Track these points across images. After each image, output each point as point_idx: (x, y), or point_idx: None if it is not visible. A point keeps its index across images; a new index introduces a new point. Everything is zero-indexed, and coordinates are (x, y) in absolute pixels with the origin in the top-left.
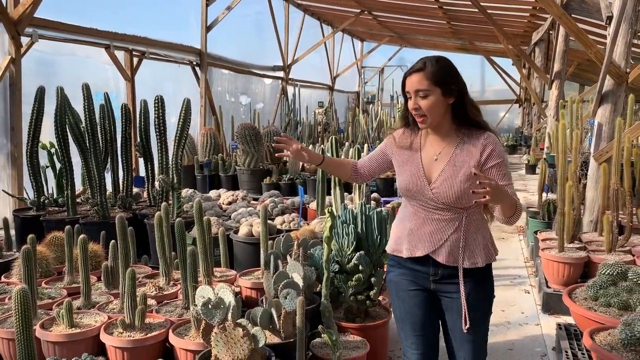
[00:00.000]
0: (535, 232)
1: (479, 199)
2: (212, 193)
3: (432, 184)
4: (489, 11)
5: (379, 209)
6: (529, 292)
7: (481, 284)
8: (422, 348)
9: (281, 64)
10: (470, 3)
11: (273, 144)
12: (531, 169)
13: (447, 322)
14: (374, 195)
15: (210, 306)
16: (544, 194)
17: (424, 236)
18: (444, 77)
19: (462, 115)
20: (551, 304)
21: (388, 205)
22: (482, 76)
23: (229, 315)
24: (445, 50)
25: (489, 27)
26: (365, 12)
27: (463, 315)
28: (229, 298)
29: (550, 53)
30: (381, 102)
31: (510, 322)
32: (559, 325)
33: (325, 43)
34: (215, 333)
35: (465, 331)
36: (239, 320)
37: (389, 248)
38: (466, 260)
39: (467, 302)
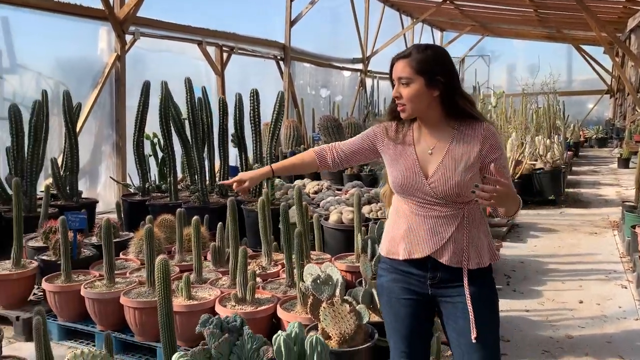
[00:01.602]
0: (633, 227)
1: (482, 201)
2: (297, 182)
3: (429, 178)
4: None
5: None
6: (626, 287)
7: (485, 286)
8: (414, 357)
9: (360, 56)
10: None
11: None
12: (624, 162)
13: (452, 331)
14: None
15: (319, 282)
16: None
17: (423, 235)
18: (429, 67)
19: (452, 107)
20: None
21: None
22: (568, 66)
23: (337, 291)
24: (530, 39)
25: (580, 14)
26: (447, 1)
27: (470, 323)
28: (336, 275)
29: None
30: None
31: (606, 316)
32: None
33: (404, 34)
34: (323, 308)
35: (474, 341)
36: (345, 298)
37: (383, 250)
38: (472, 260)
39: (474, 308)
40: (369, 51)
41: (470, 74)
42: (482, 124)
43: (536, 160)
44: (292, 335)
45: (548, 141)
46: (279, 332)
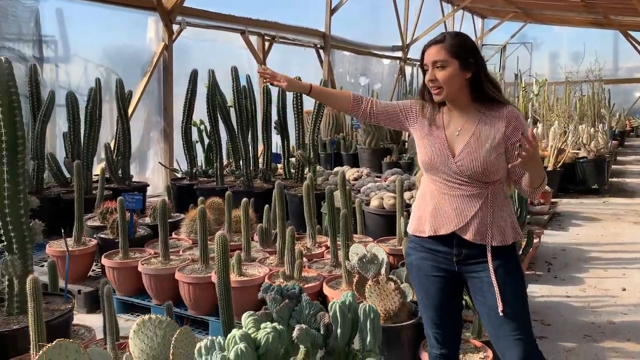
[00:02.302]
0: None
1: (515, 162)
2: (338, 169)
3: (456, 157)
4: None
5: None
6: None
7: (510, 262)
8: (445, 329)
9: (400, 44)
10: None
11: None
12: None
13: (481, 305)
14: None
15: (365, 260)
16: None
17: (449, 213)
18: (463, 50)
19: (480, 91)
20: None
21: None
22: (615, 53)
23: (382, 269)
24: (575, 26)
25: None
26: None
27: (497, 297)
28: (382, 255)
29: None
30: (504, 80)
31: None
32: None
33: (444, 21)
34: (369, 285)
35: (502, 314)
36: (390, 276)
37: (410, 229)
38: (495, 238)
39: (498, 282)
40: (409, 39)
41: (511, 62)
42: (506, 106)
43: (579, 149)
44: (347, 303)
45: (592, 130)
46: (334, 300)
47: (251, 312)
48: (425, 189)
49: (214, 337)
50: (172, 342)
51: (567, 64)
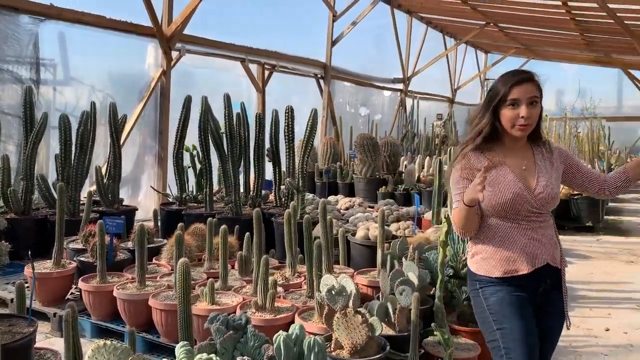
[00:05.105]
0: None
1: None
2: (330, 198)
3: (534, 191)
4: (626, 22)
5: None
6: None
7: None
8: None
9: (401, 76)
10: (605, 14)
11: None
12: None
13: (545, 326)
14: None
15: (333, 292)
16: None
17: (538, 246)
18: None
19: (537, 126)
20: None
21: None
22: (618, 91)
23: (350, 302)
24: (577, 63)
25: (628, 38)
26: (491, 24)
27: (566, 315)
28: (350, 287)
29: None
30: None
31: (632, 345)
32: None
33: (447, 55)
34: (337, 318)
35: (568, 329)
36: (358, 309)
37: (496, 272)
38: (564, 261)
39: (566, 301)
40: (410, 71)
41: None
42: (545, 140)
43: None
44: (293, 336)
45: (589, 167)
46: (280, 331)
47: (185, 342)
48: (501, 231)
49: None
50: None
51: (573, 101)
